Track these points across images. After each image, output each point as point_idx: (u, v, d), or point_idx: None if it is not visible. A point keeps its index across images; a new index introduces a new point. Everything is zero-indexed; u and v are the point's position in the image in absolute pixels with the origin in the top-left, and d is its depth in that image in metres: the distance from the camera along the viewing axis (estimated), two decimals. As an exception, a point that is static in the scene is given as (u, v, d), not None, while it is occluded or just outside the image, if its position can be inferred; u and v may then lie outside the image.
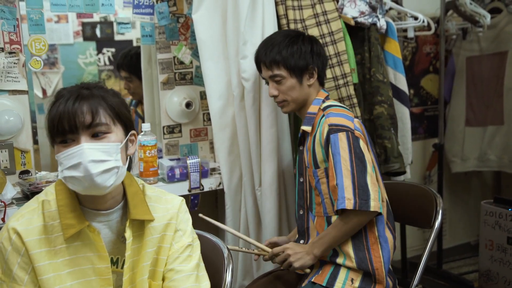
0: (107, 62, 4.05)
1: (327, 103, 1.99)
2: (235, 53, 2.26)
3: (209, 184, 2.35)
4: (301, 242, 2.00)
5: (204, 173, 2.34)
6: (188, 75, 2.58)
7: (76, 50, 4.00)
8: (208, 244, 1.63)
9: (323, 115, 1.92)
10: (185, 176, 2.29)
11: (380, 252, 1.86)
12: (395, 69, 2.62)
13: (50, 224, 1.29)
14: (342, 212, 1.82)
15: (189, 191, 2.28)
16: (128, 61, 3.06)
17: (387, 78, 2.54)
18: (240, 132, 2.32)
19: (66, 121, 1.23)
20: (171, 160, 2.39)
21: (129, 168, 1.40)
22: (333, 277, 1.86)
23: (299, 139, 2.04)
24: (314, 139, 1.92)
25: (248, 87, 2.24)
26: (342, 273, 1.86)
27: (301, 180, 2.02)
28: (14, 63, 2.12)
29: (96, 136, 1.27)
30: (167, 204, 1.44)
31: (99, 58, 4.02)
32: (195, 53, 2.53)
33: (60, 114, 1.24)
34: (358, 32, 2.52)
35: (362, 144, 1.84)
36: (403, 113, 2.64)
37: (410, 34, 2.82)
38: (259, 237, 2.42)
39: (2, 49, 2.10)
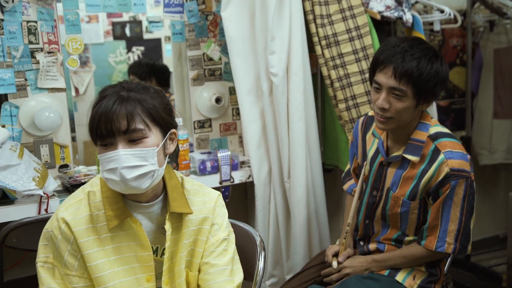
0: (137, 60, 4.16)
1: (434, 128, 1.83)
2: (263, 49, 2.32)
3: (239, 176, 2.42)
4: (360, 243, 2.03)
5: (234, 166, 2.41)
6: (217, 71, 2.65)
7: (107, 49, 4.11)
8: (241, 232, 1.69)
9: (437, 149, 1.78)
10: (216, 169, 2.36)
11: (445, 260, 1.95)
12: (421, 62, 2.64)
13: (96, 214, 1.36)
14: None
15: (220, 183, 2.35)
16: (137, 68, 3.43)
17: (414, 71, 2.57)
18: (269, 126, 2.38)
19: (103, 125, 1.28)
20: (202, 153, 2.47)
21: (175, 161, 1.45)
22: (396, 270, 1.90)
23: (387, 157, 1.89)
24: (422, 173, 1.80)
25: (276, 81, 2.29)
26: (407, 268, 1.91)
27: (374, 194, 1.95)
28: (53, 62, 2.22)
29: (132, 141, 1.31)
30: (204, 198, 1.50)
31: (129, 57, 4.13)
32: (224, 50, 2.60)
33: (98, 117, 1.28)
34: (384, 26, 2.55)
35: (474, 188, 1.80)
36: (430, 106, 2.66)
37: (437, 27, 2.84)
38: (288, 228, 2.47)
39: (42, 49, 2.20)
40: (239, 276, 1.48)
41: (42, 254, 1.36)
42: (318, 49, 2.43)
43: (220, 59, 2.63)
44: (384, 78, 1.73)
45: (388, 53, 1.74)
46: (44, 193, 1.96)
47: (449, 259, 1.98)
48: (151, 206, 1.41)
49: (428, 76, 1.70)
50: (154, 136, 1.33)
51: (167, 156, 1.41)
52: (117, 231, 1.37)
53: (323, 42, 2.42)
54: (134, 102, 1.31)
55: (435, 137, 1.80)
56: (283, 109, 2.33)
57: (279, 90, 2.31)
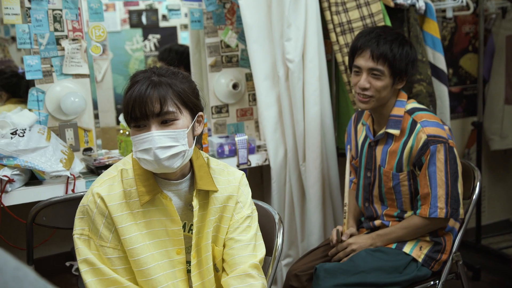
0: (153, 48, 4.23)
1: (411, 105, 2.03)
2: (279, 36, 2.39)
3: (255, 160, 2.50)
4: (366, 221, 2.16)
5: (251, 150, 2.49)
6: (234, 58, 2.72)
7: (124, 37, 4.19)
8: (260, 211, 1.76)
9: (414, 122, 1.97)
10: (233, 153, 2.44)
11: (450, 232, 2.05)
12: (433, 48, 2.70)
13: (128, 190, 1.44)
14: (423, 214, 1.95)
15: (238, 166, 2.44)
16: (166, 54, 3.43)
17: (426, 57, 2.63)
18: (285, 110, 2.46)
19: (137, 108, 1.36)
20: (220, 137, 2.55)
21: (200, 142, 1.53)
22: (403, 243, 2.01)
23: (374, 138, 2.07)
24: (404, 144, 1.97)
25: (292, 67, 2.37)
26: (412, 241, 2.01)
27: (368, 175, 2.10)
28: (77, 49, 2.30)
29: (165, 122, 1.39)
30: (229, 177, 1.57)
31: (145, 44, 4.20)
32: (241, 37, 2.67)
33: (133, 101, 1.36)
34: (397, 14, 2.61)
35: (455, 153, 1.95)
36: (442, 91, 2.72)
37: (449, 14, 2.89)
38: (303, 210, 2.56)
39: (66, 36, 2.29)
40: (261, 251, 1.56)
41: (79, 227, 1.44)
42: (333, 36, 2.49)
43: (237, 46, 2.70)
44: (363, 61, 1.96)
45: (364, 39, 1.97)
46: (71, 174, 2.06)
47: (459, 235, 2.06)
48: (179, 184, 1.49)
49: (401, 57, 1.94)
50: (184, 118, 1.41)
51: (195, 137, 1.49)
52: (149, 207, 1.45)
53: (338, 29, 2.49)
54: (165, 86, 1.38)
55: (411, 111, 2.01)
56: (299, 95, 2.41)
57: (295, 76, 2.38)
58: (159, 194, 1.45)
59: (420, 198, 1.96)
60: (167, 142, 1.38)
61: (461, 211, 1.95)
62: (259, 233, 1.59)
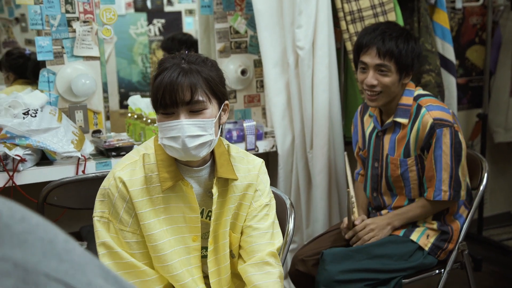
0: (157, 33, 4.22)
1: (417, 92, 2.05)
2: (290, 23, 2.39)
3: (263, 146, 2.51)
4: (373, 211, 2.18)
5: (259, 136, 2.50)
6: (243, 44, 2.72)
7: (128, 21, 4.18)
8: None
9: (419, 106, 1.99)
10: (241, 138, 2.45)
11: (457, 222, 2.07)
12: (443, 39, 2.70)
13: (149, 175, 1.44)
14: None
15: (245, 152, 2.45)
16: (169, 43, 3.46)
17: (435, 47, 2.63)
18: (294, 97, 2.46)
19: (167, 96, 1.35)
20: (228, 123, 2.56)
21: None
22: (410, 231, 2.04)
23: (381, 127, 2.08)
24: (410, 129, 2.00)
25: (302, 55, 2.37)
26: (420, 229, 2.04)
27: (376, 165, 2.12)
28: (88, 31, 2.30)
29: (193, 112, 1.38)
30: (248, 165, 1.57)
31: (150, 29, 4.19)
32: (250, 23, 2.67)
33: (163, 88, 1.35)
34: (407, 3, 2.61)
35: (461, 137, 1.98)
36: (450, 82, 2.73)
37: (458, 5, 2.89)
38: (309, 196, 2.58)
39: (78, 18, 2.29)
40: (278, 239, 1.57)
41: (99, 210, 1.44)
42: (343, 24, 2.50)
43: (246, 32, 2.71)
44: (369, 58, 1.97)
45: (370, 37, 1.97)
46: (81, 155, 2.06)
47: (465, 225, 2.08)
48: (200, 171, 1.49)
49: (407, 52, 1.94)
50: (212, 107, 1.41)
51: (220, 126, 1.49)
52: (168, 193, 1.45)
53: (348, 18, 2.49)
54: (196, 74, 1.37)
55: (417, 97, 2.03)
56: (308, 82, 2.41)
57: (305, 64, 2.39)
58: (180, 181, 1.45)
59: (426, 181, 2.00)
60: (196, 131, 1.38)
61: (462, 193, 1.99)
62: (277, 221, 1.60)
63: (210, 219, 1.51)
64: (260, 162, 1.61)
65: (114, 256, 1.41)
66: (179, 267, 1.45)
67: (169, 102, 1.35)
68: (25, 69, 2.94)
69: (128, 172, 1.43)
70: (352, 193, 2.13)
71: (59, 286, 0.43)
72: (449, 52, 2.72)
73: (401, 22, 2.54)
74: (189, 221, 1.48)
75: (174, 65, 1.38)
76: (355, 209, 2.13)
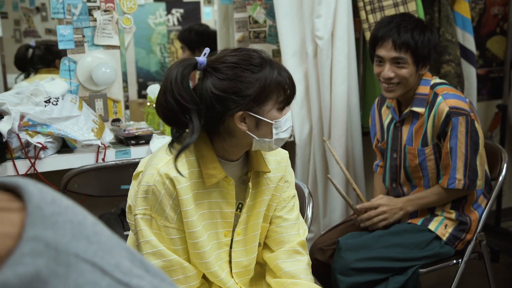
0: (176, 23, 4.23)
1: (434, 81, 2.05)
2: (309, 12, 2.39)
3: (281, 136, 2.52)
4: None
5: (277, 126, 2.50)
6: (261, 34, 2.72)
7: (147, 10, 4.19)
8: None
9: (436, 94, 1.99)
10: (259, 128, 2.46)
11: (476, 212, 2.06)
12: (463, 29, 2.68)
13: (191, 171, 1.41)
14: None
15: (263, 141, 2.46)
16: (186, 35, 3.45)
17: (456, 38, 2.61)
18: (312, 87, 2.46)
19: (291, 91, 1.41)
20: (246, 113, 2.57)
21: None
22: (429, 220, 2.04)
23: (399, 117, 2.08)
24: (427, 119, 2.00)
25: (321, 45, 2.37)
26: (438, 218, 2.04)
27: (395, 156, 2.12)
28: (108, 20, 2.32)
29: None
30: (277, 157, 1.57)
31: (168, 19, 4.20)
32: (269, 13, 2.67)
33: (288, 84, 1.40)
34: (428, -7, 2.59)
35: (477, 126, 1.97)
36: (470, 72, 2.71)
37: (480, -6, 2.86)
38: (326, 186, 2.58)
39: (98, 7, 2.31)
40: (304, 229, 1.60)
41: (141, 207, 1.40)
42: (362, 14, 2.48)
43: (265, 22, 2.70)
44: (385, 51, 1.95)
45: (385, 29, 1.96)
46: (101, 144, 2.09)
47: (483, 215, 2.07)
48: (236, 165, 1.49)
49: (423, 43, 1.93)
50: None
51: None
52: (211, 188, 1.43)
53: (368, 7, 2.48)
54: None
55: (433, 86, 2.03)
56: (327, 72, 2.41)
57: (324, 53, 2.38)
58: (223, 177, 1.43)
59: (442, 168, 2.00)
60: None
61: (479, 182, 1.97)
62: (299, 213, 1.63)
63: (240, 211, 1.51)
64: (286, 153, 1.62)
65: (159, 255, 1.39)
66: (215, 263, 1.45)
67: (292, 97, 1.42)
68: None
69: (173, 168, 1.39)
70: (348, 176, 2.13)
71: (88, 267, 0.44)
72: (470, 42, 2.69)
73: (421, 12, 2.52)
74: (224, 216, 1.47)
75: (265, 60, 1.39)
76: (360, 194, 2.14)
